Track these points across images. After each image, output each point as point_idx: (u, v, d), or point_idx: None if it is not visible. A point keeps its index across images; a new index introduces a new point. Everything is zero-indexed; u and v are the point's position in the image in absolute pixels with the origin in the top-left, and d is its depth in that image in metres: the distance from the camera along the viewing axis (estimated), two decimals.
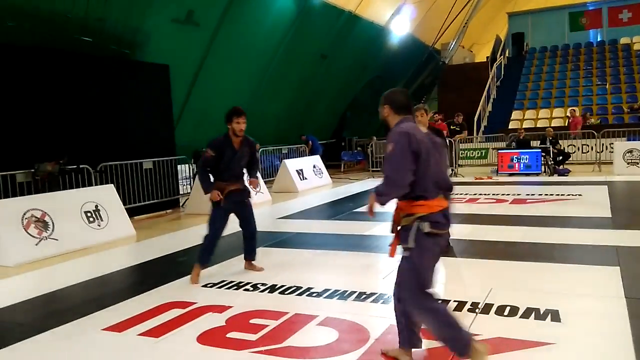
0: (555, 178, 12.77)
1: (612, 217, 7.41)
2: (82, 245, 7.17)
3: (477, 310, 3.94)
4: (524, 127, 16.88)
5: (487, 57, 24.17)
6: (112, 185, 8.57)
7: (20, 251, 6.51)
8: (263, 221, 8.13)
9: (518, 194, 10.25)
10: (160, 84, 10.68)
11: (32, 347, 3.75)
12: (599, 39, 23.24)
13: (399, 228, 3.00)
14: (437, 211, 2.90)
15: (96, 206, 7.78)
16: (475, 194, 10.35)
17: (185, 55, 12.66)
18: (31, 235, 6.71)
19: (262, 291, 4.74)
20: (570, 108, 17.76)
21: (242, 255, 5.50)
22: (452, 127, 14.49)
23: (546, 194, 9.94)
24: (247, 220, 5.35)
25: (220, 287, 4.92)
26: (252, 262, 5.48)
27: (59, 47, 9.43)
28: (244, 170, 5.38)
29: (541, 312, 3.83)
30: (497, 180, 12.98)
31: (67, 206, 7.40)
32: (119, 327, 3.99)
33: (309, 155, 15.38)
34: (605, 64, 20.71)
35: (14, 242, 6.51)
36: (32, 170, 7.86)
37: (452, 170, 14.23)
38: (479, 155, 16.86)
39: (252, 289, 4.82)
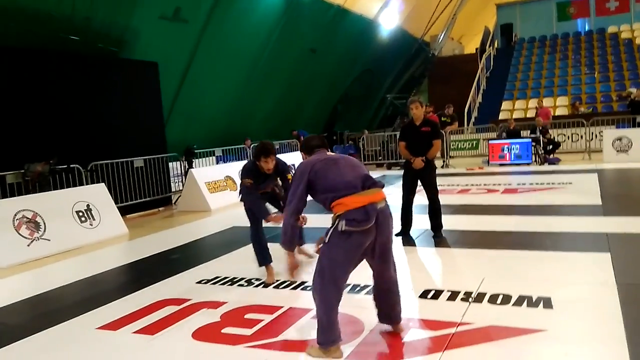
0: (546, 167, 12.85)
1: (602, 205, 7.47)
2: (74, 245, 7.14)
3: (470, 300, 3.97)
4: (514, 117, 16.96)
5: (476, 49, 24.24)
6: (104, 184, 8.54)
7: (12, 252, 6.47)
8: None
9: (509, 184, 10.31)
10: (150, 81, 10.63)
11: (27, 347, 3.74)
12: (586, 29, 23.35)
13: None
14: (357, 207, 3.03)
15: (88, 206, 7.75)
16: (466, 185, 10.41)
17: (174, 52, 12.62)
18: (23, 236, 6.68)
19: (256, 286, 4.75)
20: (537, 99, 17.88)
21: (236, 252, 5.49)
22: (442, 119, 14.50)
23: (537, 183, 10.01)
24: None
25: (214, 284, 4.92)
26: (301, 247, 5.36)
27: (45, 47, 9.36)
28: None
29: (533, 300, 3.86)
30: (488, 170, 13.04)
31: (59, 206, 7.37)
32: (114, 326, 3.98)
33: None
34: (594, 53, 20.82)
35: (5, 244, 6.48)
36: (22, 171, 7.81)
37: (444, 161, 14.28)
38: (470, 146, 16.94)
39: (246, 284, 4.83)
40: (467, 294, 4.08)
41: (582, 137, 14.67)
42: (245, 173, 4.92)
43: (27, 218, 6.84)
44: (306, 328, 3.71)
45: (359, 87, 22.32)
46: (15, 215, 6.73)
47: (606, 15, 22.71)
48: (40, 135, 8.41)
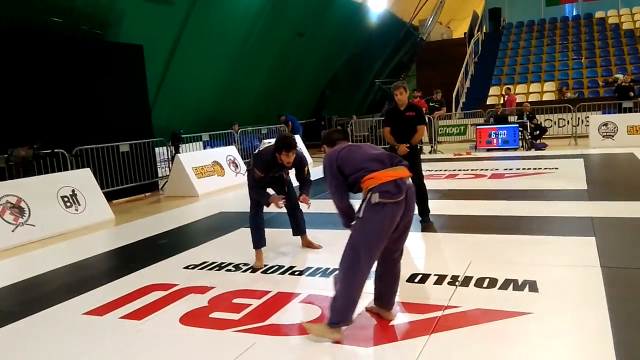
0: (533, 152, 12.94)
1: (587, 189, 7.54)
2: (60, 231, 7.07)
3: (457, 283, 3.99)
4: (501, 102, 17.00)
5: (465, 33, 24.19)
6: (89, 169, 8.43)
7: None
8: (244, 201, 8.14)
9: (496, 169, 10.37)
10: (135, 64, 10.48)
11: (13, 333, 3.71)
12: (574, 14, 23.40)
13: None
14: (388, 181, 3.08)
15: (73, 191, 7.65)
16: (454, 170, 10.45)
17: (160, 35, 12.43)
18: (7, 221, 6.59)
19: (244, 271, 4.73)
20: (506, 86, 17.94)
21: (224, 237, 5.47)
22: (431, 104, 14.53)
23: (524, 168, 10.07)
24: (287, 195, 5.15)
25: (201, 269, 4.90)
26: (305, 236, 5.34)
27: (28, 29, 9.16)
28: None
29: (519, 283, 3.90)
30: (475, 155, 13.10)
31: (43, 191, 7.27)
32: (100, 311, 3.96)
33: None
34: (581, 38, 20.88)
35: None
36: (6, 155, 7.68)
37: (432, 146, 14.32)
38: (458, 131, 16.98)
39: (234, 269, 4.82)
40: (454, 278, 4.11)
41: (568, 122, 14.77)
42: (260, 164, 4.73)
43: (11, 203, 6.74)
44: (294, 312, 3.71)
45: (348, 72, 22.23)
46: None
47: (594, 1, 22.74)
48: (24, 119, 8.27)
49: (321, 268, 4.63)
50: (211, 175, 10.32)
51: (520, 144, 13.63)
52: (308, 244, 5.33)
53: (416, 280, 4.16)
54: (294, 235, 5.37)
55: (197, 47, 13.69)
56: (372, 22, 20.85)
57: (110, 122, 9.78)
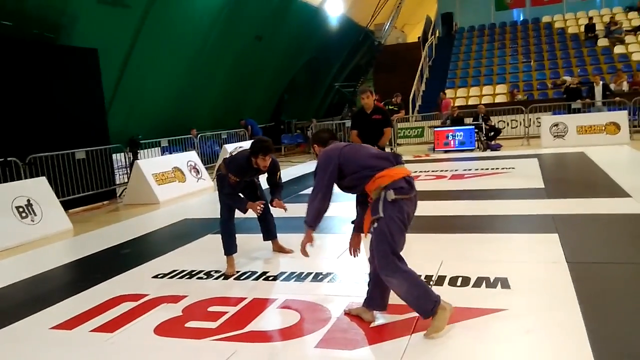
0: (489, 153, 13.29)
1: (545, 188, 7.80)
2: (16, 243, 6.76)
3: (431, 283, 4.05)
4: (456, 105, 17.41)
5: (419, 37, 24.62)
6: (44, 177, 8.11)
7: None
8: (208, 207, 8.00)
9: (456, 170, 10.60)
10: (89, 69, 10.17)
11: None
12: (522, 18, 24.24)
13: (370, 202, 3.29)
14: (399, 178, 3.16)
15: (28, 200, 7.34)
16: (415, 172, 10.59)
17: (115, 38, 12.12)
18: None
19: (216, 279, 4.65)
20: (441, 91, 18.45)
21: (191, 244, 5.36)
22: (389, 107, 14.71)
23: (482, 169, 10.33)
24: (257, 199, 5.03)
25: (171, 277, 4.78)
26: (276, 240, 5.26)
27: None
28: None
29: (491, 281, 3.99)
30: (434, 157, 13.36)
31: None
32: (69, 325, 3.80)
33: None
34: (529, 42, 21.63)
35: None
36: None
37: (392, 148, 14.50)
38: (416, 134, 17.25)
39: (205, 277, 4.72)
40: (428, 278, 4.17)
41: (520, 123, 15.26)
42: (235, 169, 4.61)
43: None
44: (273, 318, 3.67)
45: (306, 76, 22.28)
46: None
47: (541, 5, 23.64)
48: None
49: (295, 272, 4.60)
50: (172, 182, 10.10)
51: (477, 145, 14.00)
52: (279, 249, 5.28)
53: None
54: (264, 240, 5.32)
55: (153, 51, 13.41)
56: (330, 26, 20.99)
57: (65, 129, 9.44)
